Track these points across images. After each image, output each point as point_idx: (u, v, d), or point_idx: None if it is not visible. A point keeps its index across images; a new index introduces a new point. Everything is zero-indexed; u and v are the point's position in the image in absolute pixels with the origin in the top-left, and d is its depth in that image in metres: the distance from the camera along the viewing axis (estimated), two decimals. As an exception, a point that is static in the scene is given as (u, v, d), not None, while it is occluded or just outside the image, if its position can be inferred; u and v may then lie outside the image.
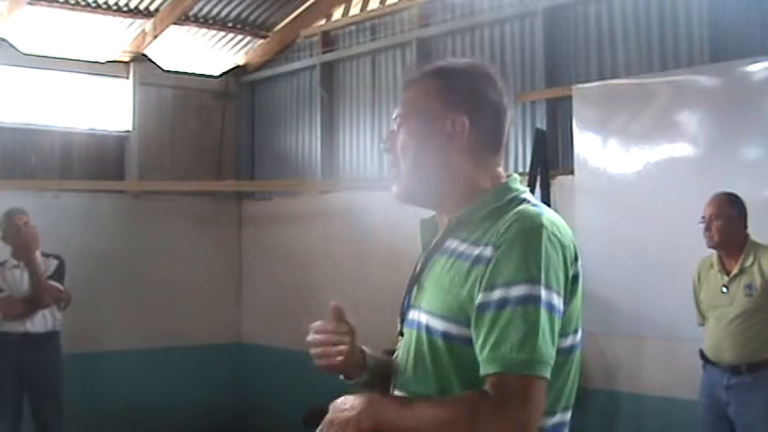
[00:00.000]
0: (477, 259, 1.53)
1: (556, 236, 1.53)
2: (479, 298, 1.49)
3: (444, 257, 1.61)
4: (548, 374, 1.46)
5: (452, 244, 1.61)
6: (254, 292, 7.47)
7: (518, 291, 1.46)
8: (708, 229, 4.14)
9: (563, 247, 1.53)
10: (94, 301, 6.48)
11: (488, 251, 1.52)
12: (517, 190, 1.65)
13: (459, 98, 1.65)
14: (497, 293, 1.47)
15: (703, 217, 4.15)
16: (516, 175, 1.70)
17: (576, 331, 1.58)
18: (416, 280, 1.67)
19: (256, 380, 7.33)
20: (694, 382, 4.32)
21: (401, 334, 1.69)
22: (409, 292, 1.68)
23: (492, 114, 1.67)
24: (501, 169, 1.70)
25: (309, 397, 6.43)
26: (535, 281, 1.47)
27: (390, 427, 1.54)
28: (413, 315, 1.64)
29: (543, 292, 1.47)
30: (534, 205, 1.60)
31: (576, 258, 1.57)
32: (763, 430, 4.00)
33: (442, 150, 1.64)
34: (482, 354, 1.47)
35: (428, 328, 1.58)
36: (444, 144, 1.64)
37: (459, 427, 1.46)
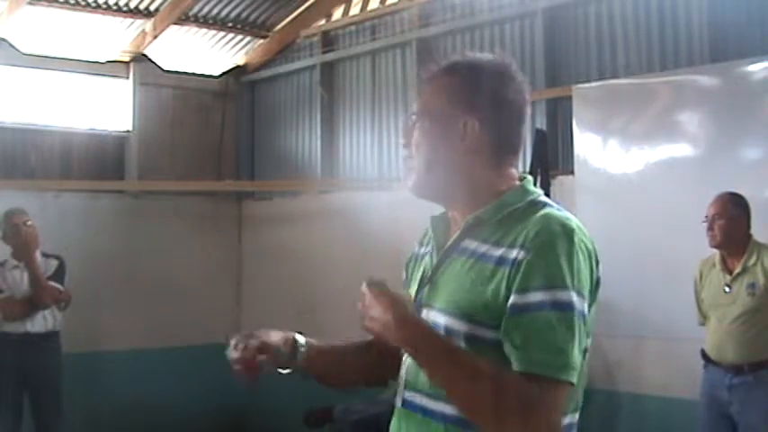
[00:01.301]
0: (502, 260, 1.53)
1: (584, 242, 1.54)
2: (512, 299, 1.49)
3: (463, 258, 1.60)
4: (575, 380, 1.48)
5: (471, 244, 1.60)
6: (254, 292, 7.47)
7: (554, 295, 1.47)
8: (710, 228, 4.14)
9: (589, 252, 1.55)
10: (94, 301, 6.47)
11: (515, 253, 1.51)
12: (534, 192, 1.65)
13: (471, 99, 1.64)
14: (533, 296, 1.47)
15: (707, 216, 4.14)
16: (530, 177, 1.70)
17: (588, 335, 1.59)
18: (429, 279, 1.65)
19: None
20: (694, 382, 4.32)
21: None
22: (421, 290, 1.67)
23: (507, 115, 1.66)
24: (515, 170, 1.69)
25: (309, 397, 6.44)
26: (569, 287, 1.48)
27: (418, 351, 1.53)
28: (425, 315, 1.62)
29: (576, 299, 1.48)
30: (558, 209, 1.61)
31: (598, 263, 1.58)
32: (765, 430, 4.00)
33: (453, 150, 1.64)
34: (516, 353, 1.47)
35: (447, 329, 1.56)
36: (455, 144, 1.64)
37: (484, 405, 1.45)
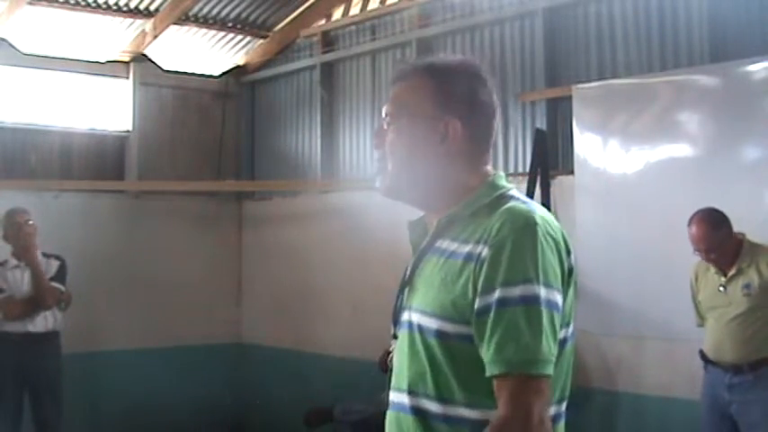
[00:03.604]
0: (469, 256, 1.54)
1: (549, 233, 1.53)
2: (478, 301, 1.49)
3: (435, 257, 1.61)
4: (551, 372, 1.47)
5: (443, 244, 1.62)
6: (254, 292, 7.47)
7: (517, 291, 1.47)
8: (708, 259, 4.17)
9: (556, 243, 1.54)
10: (94, 301, 6.47)
11: (480, 249, 1.52)
12: (503, 187, 1.65)
13: (451, 100, 1.65)
14: (497, 294, 1.48)
15: (697, 250, 4.15)
16: (502, 173, 1.71)
17: (568, 324, 1.58)
18: (408, 281, 1.67)
19: (256, 380, 7.33)
20: (694, 382, 4.32)
21: (395, 337, 1.69)
22: (401, 293, 1.68)
23: (482, 116, 1.68)
24: (489, 167, 1.70)
25: (309, 397, 6.45)
26: (533, 280, 1.47)
27: None
28: (405, 316, 1.64)
29: (542, 291, 1.47)
30: (524, 202, 1.60)
31: (569, 252, 1.57)
32: (766, 428, 4.01)
33: (432, 152, 1.65)
34: (487, 355, 1.48)
35: (420, 328, 1.58)
36: (435, 146, 1.64)
37: None
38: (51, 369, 5.38)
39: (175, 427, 6.84)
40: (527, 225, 1.52)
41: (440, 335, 1.54)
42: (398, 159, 1.67)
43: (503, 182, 1.67)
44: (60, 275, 5.38)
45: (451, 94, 1.65)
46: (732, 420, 4.12)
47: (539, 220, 1.53)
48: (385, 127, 1.70)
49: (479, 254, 1.52)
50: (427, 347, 1.56)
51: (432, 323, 1.56)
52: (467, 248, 1.55)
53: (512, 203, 1.58)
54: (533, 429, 1.43)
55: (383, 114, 1.71)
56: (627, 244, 4.83)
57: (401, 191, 1.70)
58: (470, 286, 1.51)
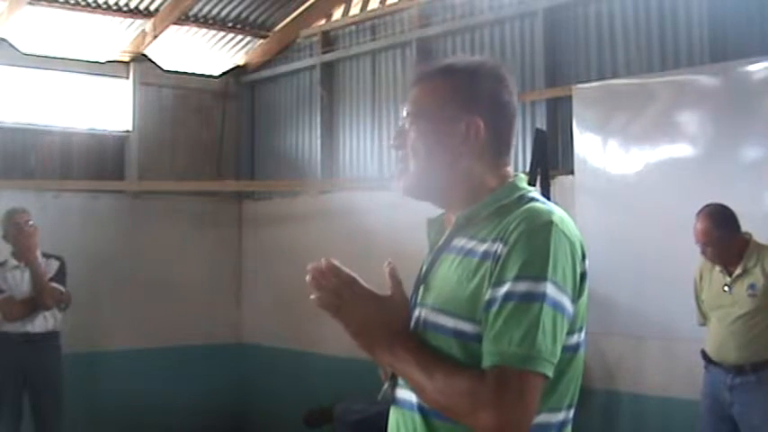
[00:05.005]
0: (485, 255, 1.53)
1: (565, 234, 1.53)
2: (488, 294, 1.49)
3: (452, 256, 1.61)
4: (547, 372, 1.45)
5: (460, 242, 1.61)
6: (254, 292, 7.47)
7: (523, 286, 1.46)
8: (704, 252, 4.18)
9: (572, 245, 1.54)
10: (94, 301, 6.48)
11: (496, 247, 1.52)
12: (524, 189, 1.65)
13: (472, 101, 1.65)
14: (504, 288, 1.47)
15: (696, 242, 4.16)
16: (523, 175, 1.71)
17: (581, 329, 1.58)
18: (423, 279, 1.66)
19: (256, 380, 7.33)
20: (694, 382, 4.32)
21: None
22: (416, 291, 1.67)
23: (504, 116, 1.68)
24: (510, 169, 1.70)
25: (309, 397, 6.46)
26: (542, 278, 1.47)
27: (394, 364, 1.57)
28: (419, 313, 1.63)
29: (549, 290, 1.47)
30: (543, 203, 1.60)
31: (583, 257, 1.57)
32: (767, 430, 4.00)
33: (454, 153, 1.64)
34: (486, 345, 1.47)
35: (436, 326, 1.57)
36: (456, 147, 1.64)
37: (460, 406, 1.47)
38: (51, 369, 5.38)
39: (175, 427, 6.84)
40: (544, 224, 1.52)
41: (458, 334, 1.53)
42: (419, 161, 1.67)
43: (523, 183, 1.67)
44: (60, 276, 5.38)
45: (472, 95, 1.65)
46: (733, 421, 4.11)
47: (556, 221, 1.53)
48: (406, 127, 1.69)
49: (495, 251, 1.51)
50: (444, 346, 1.55)
51: (448, 321, 1.55)
52: (484, 247, 1.55)
53: (532, 204, 1.58)
54: (511, 426, 1.42)
55: (404, 114, 1.71)
56: (627, 244, 4.83)
57: (422, 191, 1.70)
58: (486, 284, 1.51)
